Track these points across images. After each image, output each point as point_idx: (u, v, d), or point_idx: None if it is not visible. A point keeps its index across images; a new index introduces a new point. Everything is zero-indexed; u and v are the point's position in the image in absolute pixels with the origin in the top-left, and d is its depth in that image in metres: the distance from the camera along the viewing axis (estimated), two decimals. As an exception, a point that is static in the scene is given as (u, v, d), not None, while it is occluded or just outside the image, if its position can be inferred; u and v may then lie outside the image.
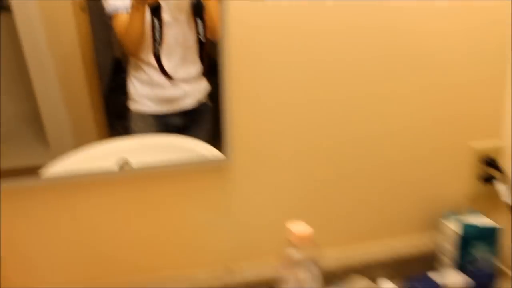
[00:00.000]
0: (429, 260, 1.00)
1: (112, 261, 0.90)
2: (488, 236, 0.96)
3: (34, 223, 0.84)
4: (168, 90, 0.88)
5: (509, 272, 1.01)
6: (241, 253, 0.95)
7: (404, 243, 1.01)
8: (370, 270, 0.98)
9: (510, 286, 0.96)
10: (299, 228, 0.81)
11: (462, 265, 0.95)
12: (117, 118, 0.87)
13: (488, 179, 1.00)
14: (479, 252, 0.96)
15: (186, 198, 0.89)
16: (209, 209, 0.91)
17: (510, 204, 0.94)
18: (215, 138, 0.86)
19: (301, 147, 0.91)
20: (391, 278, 0.98)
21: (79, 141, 0.82)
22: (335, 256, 0.97)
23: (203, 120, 0.90)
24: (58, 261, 0.88)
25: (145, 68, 0.86)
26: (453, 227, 0.95)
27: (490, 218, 0.97)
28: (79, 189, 0.83)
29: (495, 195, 0.98)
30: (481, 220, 0.96)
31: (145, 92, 0.88)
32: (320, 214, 0.96)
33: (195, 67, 0.87)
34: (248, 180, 0.90)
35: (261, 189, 0.92)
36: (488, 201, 1.01)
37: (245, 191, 0.91)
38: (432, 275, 0.92)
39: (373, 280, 0.99)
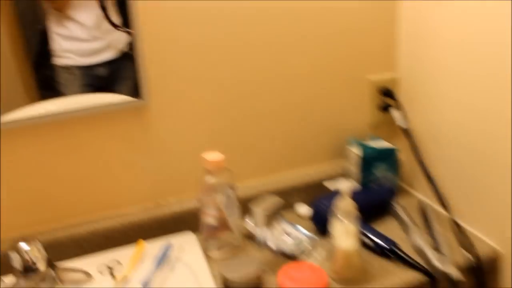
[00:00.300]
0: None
1: (46, 205, 0.97)
2: (386, 156, 1.09)
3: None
4: (91, 43, 0.94)
5: (408, 188, 1.15)
6: (167, 188, 1.04)
7: (315, 170, 1.13)
8: (286, 196, 1.09)
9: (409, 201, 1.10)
10: (213, 156, 0.90)
11: (365, 184, 1.07)
12: (46, 82, 0.93)
13: (385, 108, 1.12)
14: (380, 171, 1.09)
15: (111, 140, 0.96)
16: (132, 149, 0.99)
17: (404, 127, 1.07)
18: (137, 85, 0.94)
19: (214, 86, 1.00)
20: (305, 202, 1.10)
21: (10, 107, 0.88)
22: (252, 185, 1.07)
23: (126, 69, 0.96)
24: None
25: (68, 24, 0.91)
26: (356, 151, 1.07)
27: (390, 142, 1.10)
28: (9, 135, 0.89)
29: (392, 122, 1.11)
30: (381, 144, 1.09)
31: (68, 47, 0.93)
32: (236, 148, 1.06)
33: (115, 18, 0.93)
34: (166, 120, 0.99)
35: (178, 127, 1.00)
36: (386, 127, 1.13)
37: (163, 130, 1.00)
38: (328, 184, 1.03)
39: (290, 205, 1.10)
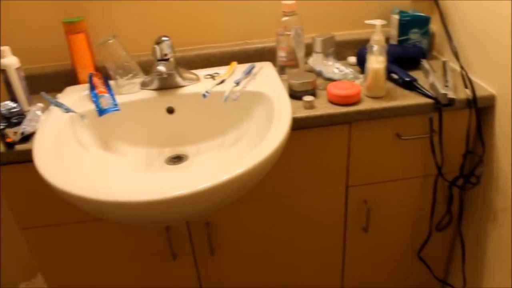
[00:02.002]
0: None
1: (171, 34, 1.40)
2: (420, 23, 1.41)
3: None
4: None
5: (436, 54, 1.48)
6: (253, 32, 1.44)
7: (365, 32, 1.49)
8: (341, 49, 1.46)
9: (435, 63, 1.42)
10: (288, 1, 1.28)
11: (401, 43, 1.42)
12: None
13: (425, -15, 1.44)
14: (414, 34, 1.42)
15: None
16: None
17: (436, -1, 1.39)
18: None
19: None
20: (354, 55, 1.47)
21: None
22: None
23: None
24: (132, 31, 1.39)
25: None
26: (396, 16, 1.41)
27: (426, 14, 1.42)
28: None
29: (430, -2, 1.43)
30: (417, 13, 1.42)
31: None
32: (311, 4, 1.43)
33: None
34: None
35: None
36: (426, 3, 1.46)
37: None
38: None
39: (344, 58, 1.48)
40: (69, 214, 1.19)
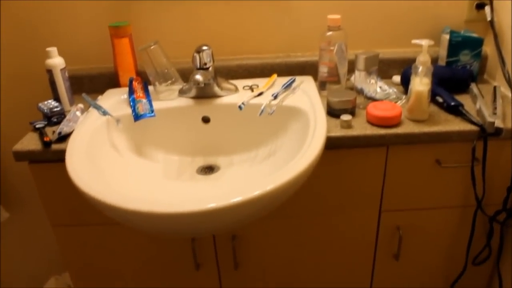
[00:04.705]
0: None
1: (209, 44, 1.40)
2: (472, 44, 1.35)
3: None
4: None
5: (488, 78, 1.41)
6: (296, 45, 1.42)
7: (412, 51, 1.44)
8: (387, 68, 1.42)
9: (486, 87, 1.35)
10: (333, 15, 1.25)
11: (450, 65, 1.36)
12: None
13: (480, 6, 1.37)
14: (464, 56, 1.36)
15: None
16: (275, 7, 1.37)
17: (489, 19, 1.32)
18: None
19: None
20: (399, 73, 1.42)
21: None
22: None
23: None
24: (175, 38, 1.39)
25: None
26: (446, 36, 1.36)
27: (479, 35, 1.36)
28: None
29: (485, 19, 1.36)
30: (470, 34, 1.36)
31: None
32: (354, 20, 1.40)
33: None
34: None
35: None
36: (479, 24, 1.39)
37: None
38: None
39: (389, 76, 1.44)
40: (98, 215, 1.20)
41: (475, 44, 1.34)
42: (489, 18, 1.32)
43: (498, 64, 1.32)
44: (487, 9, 1.34)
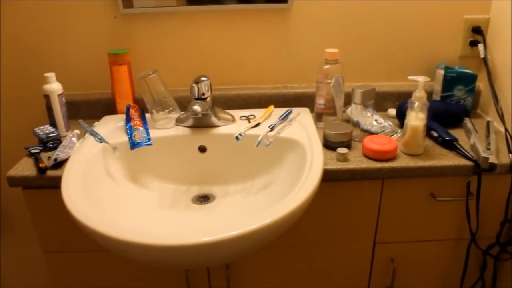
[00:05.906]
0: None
1: (208, 73, 1.41)
2: (466, 80, 1.37)
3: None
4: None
5: (481, 113, 1.43)
6: (294, 76, 1.44)
7: (408, 84, 1.46)
8: (382, 101, 1.44)
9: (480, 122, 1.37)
10: (331, 49, 1.27)
11: (445, 99, 1.38)
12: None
13: (474, 43, 1.40)
14: (458, 91, 1.39)
15: (259, 32, 1.37)
16: (274, 41, 1.39)
17: (483, 56, 1.35)
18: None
19: (344, 3, 1.36)
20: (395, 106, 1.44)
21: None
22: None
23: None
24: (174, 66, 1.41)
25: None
26: (441, 72, 1.38)
27: (472, 71, 1.38)
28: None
29: (478, 56, 1.39)
30: (464, 70, 1.38)
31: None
32: (351, 53, 1.42)
33: None
34: (302, 20, 1.37)
35: (311, 28, 1.38)
36: (473, 60, 1.42)
37: (299, 29, 1.38)
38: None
39: (385, 109, 1.45)
40: (91, 242, 1.19)
41: (469, 80, 1.37)
42: (482, 55, 1.35)
43: (491, 99, 1.34)
44: (481, 46, 1.36)
